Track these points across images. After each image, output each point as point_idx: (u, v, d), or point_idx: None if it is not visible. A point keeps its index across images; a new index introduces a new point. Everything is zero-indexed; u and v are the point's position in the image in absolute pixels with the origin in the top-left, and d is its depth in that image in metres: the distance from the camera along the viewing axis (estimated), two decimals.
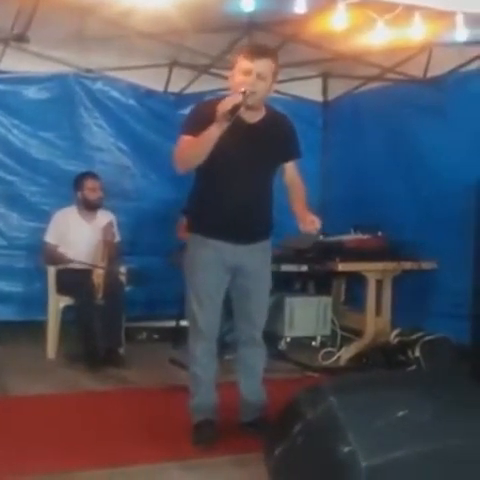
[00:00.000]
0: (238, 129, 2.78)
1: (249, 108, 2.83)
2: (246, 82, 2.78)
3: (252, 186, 2.94)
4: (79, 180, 4.68)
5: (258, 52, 2.85)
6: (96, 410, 3.49)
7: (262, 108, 2.97)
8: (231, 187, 2.90)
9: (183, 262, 3.10)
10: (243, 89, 2.75)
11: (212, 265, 2.95)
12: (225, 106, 2.71)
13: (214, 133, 2.73)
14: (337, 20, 3.35)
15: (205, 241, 2.96)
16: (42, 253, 4.64)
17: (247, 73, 2.81)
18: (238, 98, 2.72)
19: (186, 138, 2.86)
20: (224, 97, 2.94)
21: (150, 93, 5.30)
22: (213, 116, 2.75)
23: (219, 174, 2.87)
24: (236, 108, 2.70)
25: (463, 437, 2.21)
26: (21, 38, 4.27)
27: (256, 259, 3.03)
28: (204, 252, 2.96)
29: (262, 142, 2.90)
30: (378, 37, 3.76)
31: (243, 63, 2.82)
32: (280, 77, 3.04)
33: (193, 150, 2.83)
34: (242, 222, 2.92)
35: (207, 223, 2.95)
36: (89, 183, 4.65)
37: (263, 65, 2.82)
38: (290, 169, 3.09)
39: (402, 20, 3.53)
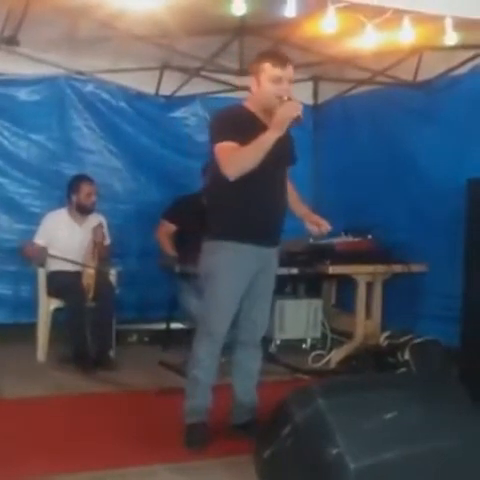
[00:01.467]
0: None
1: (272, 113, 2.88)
2: (287, 89, 2.88)
3: (277, 190, 3.02)
4: (75, 183, 4.64)
5: (286, 59, 2.95)
6: (86, 412, 3.49)
7: None
8: (261, 192, 2.94)
9: (200, 266, 3.08)
10: (286, 97, 2.84)
11: (239, 270, 2.97)
12: (290, 113, 2.79)
13: (272, 138, 2.80)
14: (327, 24, 3.36)
15: (235, 246, 2.96)
16: (26, 253, 4.56)
17: (279, 81, 2.89)
18: (298, 106, 2.81)
19: (230, 145, 2.87)
20: (241, 104, 3.04)
21: (141, 96, 5.30)
22: (246, 122, 2.87)
23: (249, 180, 2.87)
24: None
25: (451, 439, 2.23)
26: (11, 41, 4.26)
27: (272, 262, 3.11)
28: (233, 257, 2.96)
29: (281, 148, 2.94)
30: (368, 41, 3.77)
31: (275, 71, 2.89)
32: None
33: (249, 155, 2.84)
34: (270, 226, 3.01)
35: (239, 228, 2.96)
36: (86, 188, 4.61)
37: (291, 71, 2.93)
38: (287, 174, 3.17)
39: (392, 24, 3.55)
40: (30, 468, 2.77)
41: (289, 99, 2.85)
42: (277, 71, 2.89)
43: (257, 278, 3.04)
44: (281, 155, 2.97)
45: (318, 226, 3.05)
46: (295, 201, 3.18)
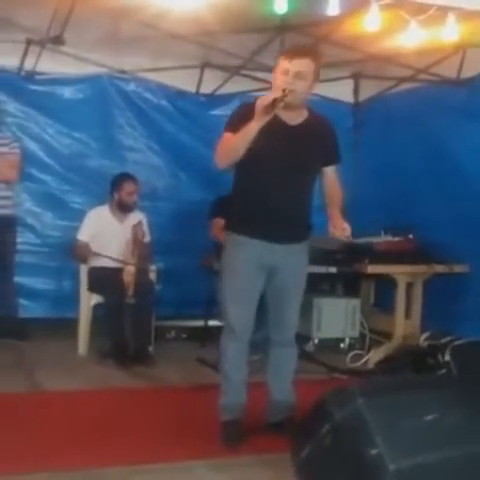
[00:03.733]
0: (278, 131, 2.83)
1: (288, 107, 2.85)
2: (289, 81, 2.84)
3: (291, 187, 2.97)
4: (118, 181, 4.70)
5: (297, 52, 2.92)
6: (124, 407, 3.53)
7: (303, 110, 3.00)
8: (271, 188, 2.93)
9: (220, 262, 3.12)
10: (283, 87, 2.81)
11: (250, 265, 2.98)
12: (264, 101, 2.76)
13: (252, 128, 2.77)
14: (370, 21, 3.35)
15: (243, 240, 2.98)
16: (73, 251, 4.70)
17: (285, 73, 2.87)
18: (277, 94, 2.78)
19: (227, 135, 2.92)
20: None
21: (182, 94, 5.34)
22: (253, 115, 2.80)
23: (259, 175, 2.90)
24: (275, 103, 2.73)
25: None
26: (57, 40, 4.34)
27: (293, 260, 3.05)
28: (242, 251, 2.98)
29: (302, 144, 2.92)
30: (411, 38, 3.74)
31: (284, 63, 2.89)
32: None
33: (232, 145, 2.87)
34: (281, 222, 2.96)
35: (247, 223, 2.98)
36: (128, 186, 4.67)
37: (301, 64, 2.87)
38: (329, 173, 3.13)
39: (435, 21, 3.51)
40: (68, 461, 2.80)
41: (290, 91, 2.79)
42: (285, 63, 2.87)
43: (277, 275, 3.02)
44: (302, 153, 2.93)
45: (335, 229, 2.93)
46: (329, 198, 3.10)
